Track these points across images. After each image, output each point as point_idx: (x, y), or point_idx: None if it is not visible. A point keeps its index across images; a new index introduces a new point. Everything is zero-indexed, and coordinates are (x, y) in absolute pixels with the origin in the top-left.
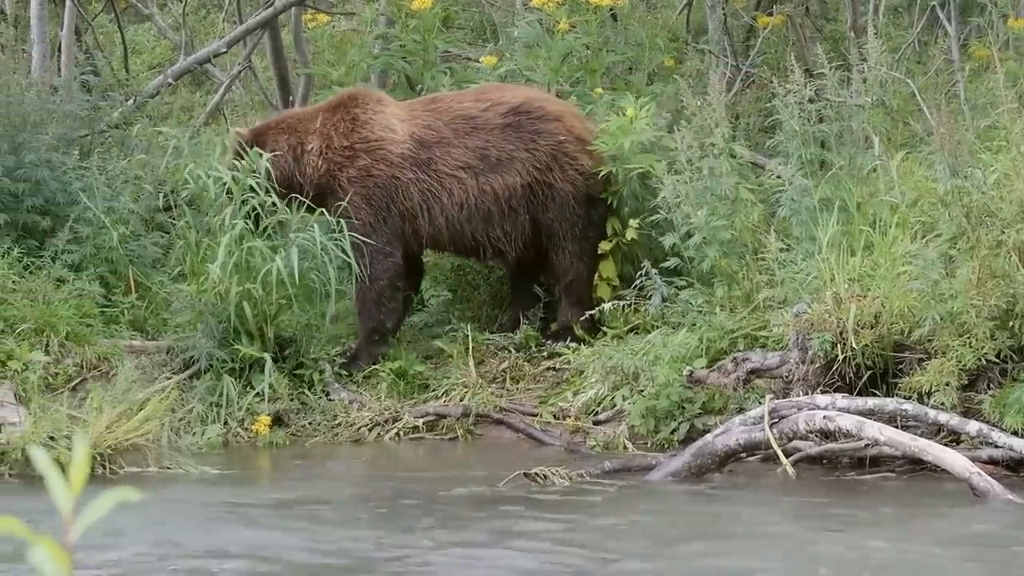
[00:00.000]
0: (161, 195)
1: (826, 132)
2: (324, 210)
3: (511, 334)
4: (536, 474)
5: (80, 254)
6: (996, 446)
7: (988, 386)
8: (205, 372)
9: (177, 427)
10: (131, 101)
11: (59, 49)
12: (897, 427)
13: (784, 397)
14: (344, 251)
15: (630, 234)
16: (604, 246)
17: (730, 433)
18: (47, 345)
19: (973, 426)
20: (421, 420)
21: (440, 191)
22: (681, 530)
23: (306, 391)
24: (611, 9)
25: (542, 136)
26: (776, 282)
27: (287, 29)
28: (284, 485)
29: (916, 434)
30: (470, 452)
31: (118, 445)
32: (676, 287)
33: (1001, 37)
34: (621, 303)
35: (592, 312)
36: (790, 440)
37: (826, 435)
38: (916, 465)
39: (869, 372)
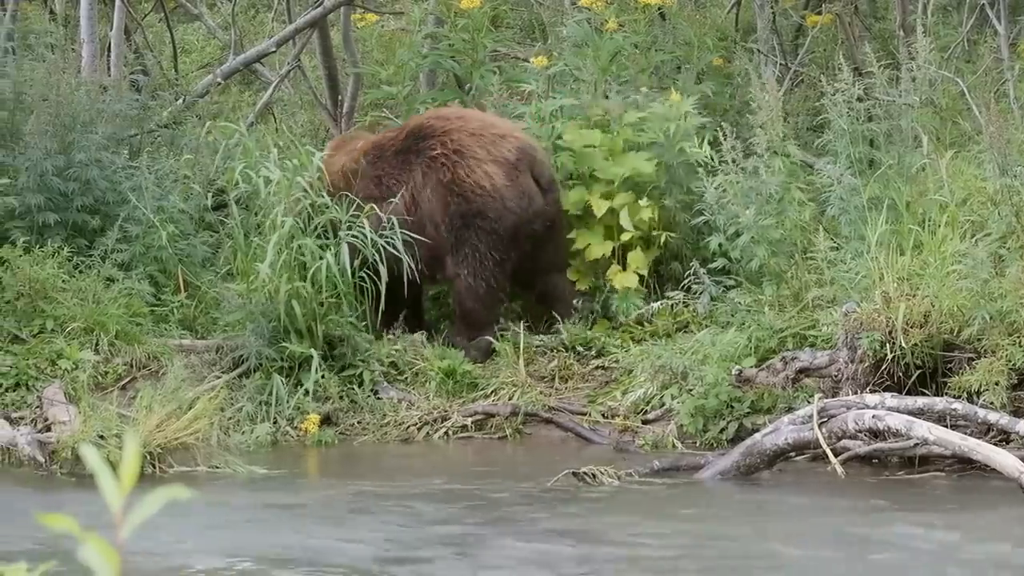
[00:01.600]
0: (210, 194)
1: (875, 131)
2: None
3: (559, 332)
4: (585, 473)
5: (129, 253)
6: None
7: None
8: (254, 371)
9: (226, 426)
10: (180, 100)
11: (108, 49)
12: (946, 426)
13: (833, 396)
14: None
15: (646, 213)
16: (624, 237)
17: (779, 432)
18: (97, 344)
19: (1023, 426)
20: (470, 419)
21: (363, 224)
22: (730, 528)
23: (355, 389)
24: (659, 8)
25: (419, 155)
26: (825, 281)
27: (336, 28)
28: (333, 483)
29: (966, 433)
30: (519, 451)
31: (167, 444)
32: (724, 286)
33: None
34: (670, 302)
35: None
36: (839, 439)
37: (875, 434)
38: (965, 465)
39: (918, 371)
